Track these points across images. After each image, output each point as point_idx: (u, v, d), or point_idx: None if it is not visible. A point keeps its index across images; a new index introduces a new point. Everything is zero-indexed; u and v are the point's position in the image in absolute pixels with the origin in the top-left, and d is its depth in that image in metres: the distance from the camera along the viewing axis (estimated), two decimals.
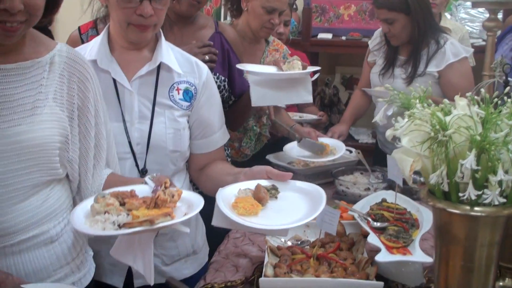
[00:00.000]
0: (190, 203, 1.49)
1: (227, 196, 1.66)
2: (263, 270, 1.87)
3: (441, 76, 3.01)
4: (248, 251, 2.19)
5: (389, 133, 1.48)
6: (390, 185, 2.66)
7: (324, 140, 2.99)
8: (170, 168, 1.89)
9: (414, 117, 1.30)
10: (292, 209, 1.65)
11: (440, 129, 1.26)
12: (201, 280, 2.03)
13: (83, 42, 2.80)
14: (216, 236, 2.23)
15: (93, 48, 1.88)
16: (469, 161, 1.20)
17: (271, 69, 2.33)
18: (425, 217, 1.97)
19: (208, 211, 2.12)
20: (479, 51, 3.55)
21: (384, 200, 2.13)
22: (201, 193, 2.00)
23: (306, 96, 2.31)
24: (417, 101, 1.34)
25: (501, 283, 1.57)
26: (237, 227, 1.73)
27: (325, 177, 2.86)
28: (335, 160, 2.87)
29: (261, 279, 1.80)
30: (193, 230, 2.07)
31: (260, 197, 1.65)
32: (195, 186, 2.18)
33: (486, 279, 1.37)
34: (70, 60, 1.56)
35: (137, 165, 1.82)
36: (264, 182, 1.75)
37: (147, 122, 1.81)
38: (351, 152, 3.10)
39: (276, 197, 1.71)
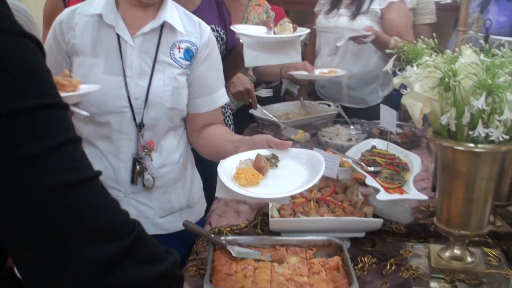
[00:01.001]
0: None
1: (229, 168, 1.69)
2: (269, 213, 2.01)
3: (383, 14, 3.24)
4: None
5: (397, 81, 1.63)
6: (369, 135, 2.84)
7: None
8: (167, 124, 1.92)
9: (427, 64, 1.45)
10: (292, 177, 1.69)
11: (452, 75, 1.41)
12: (206, 225, 2.15)
13: (64, 2, 2.82)
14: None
15: (100, 2, 1.91)
16: (480, 102, 1.36)
17: (262, 30, 2.42)
18: (413, 161, 2.16)
19: (207, 168, 2.23)
20: (444, 9, 3.75)
21: (374, 147, 2.30)
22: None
23: (295, 56, 2.43)
24: (427, 51, 1.48)
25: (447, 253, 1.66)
26: (240, 197, 1.77)
27: (307, 129, 3.00)
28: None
29: (271, 220, 1.94)
30: (188, 185, 2.12)
31: (261, 167, 1.69)
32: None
33: (484, 208, 1.55)
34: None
35: (134, 119, 1.84)
36: (264, 152, 1.78)
37: (147, 78, 1.84)
38: (329, 105, 3.27)
39: (276, 166, 1.76)
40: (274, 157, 1.77)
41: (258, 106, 2.99)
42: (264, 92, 3.11)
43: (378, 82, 3.44)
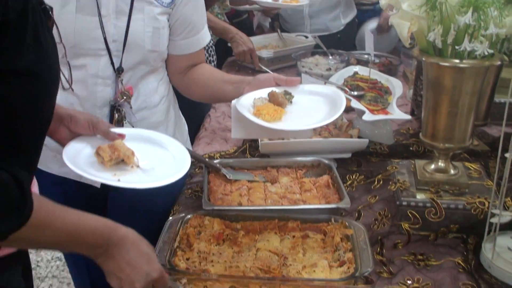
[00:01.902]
0: None
1: (245, 107, 1.64)
2: (258, 139, 2.07)
3: None
4: (231, 127, 2.35)
5: (384, 2, 1.67)
6: (347, 64, 2.89)
7: None
8: (146, 67, 1.80)
9: None
10: (312, 110, 1.64)
11: None
12: (199, 150, 2.20)
13: None
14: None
15: None
16: (467, 18, 1.42)
17: None
18: (395, 85, 2.23)
19: (191, 112, 2.24)
20: None
21: (356, 73, 2.36)
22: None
23: None
24: None
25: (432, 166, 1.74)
26: (260, 135, 1.77)
27: (287, 60, 3.05)
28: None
29: (262, 143, 2.01)
30: (171, 128, 2.01)
31: (280, 102, 1.65)
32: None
33: (467, 122, 1.64)
34: None
35: (112, 63, 1.70)
36: (274, 90, 1.71)
37: (125, 18, 1.67)
38: (307, 37, 3.30)
39: (291, 102, 1.69)
40: (288, 93, 1.73)
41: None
42: (265, 53, 3.09)
43: (340, 9, 3.53)
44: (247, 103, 1.67)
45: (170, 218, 1.58)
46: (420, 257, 1.53)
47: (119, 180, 1.35)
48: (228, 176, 1.84)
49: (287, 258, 1.45)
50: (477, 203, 1.60)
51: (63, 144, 1.45)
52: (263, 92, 1.71)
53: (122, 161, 1.41)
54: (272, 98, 1.67)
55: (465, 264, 1.50)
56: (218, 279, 1.32)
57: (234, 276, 1.35)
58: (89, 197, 1.83)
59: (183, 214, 1.59)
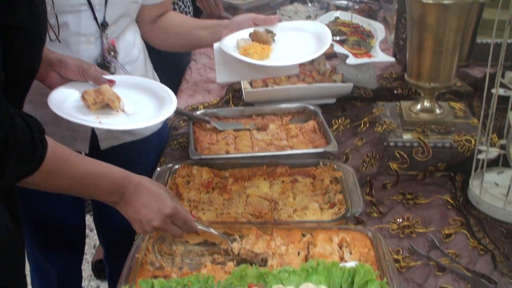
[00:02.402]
0: None
1: (230, 48, 1.59)
2: (242, 86, 2.05)
3: None
4: (213, 78, 2.30)
5: None
6: (327, 11, 2.85)
7: None
8: (126, 20, 1.72)
9: None
10: (298, 46, 1.61)
11: None
12: (182, 103, 2.17)
13: None
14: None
15: None
16: None
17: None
18: (377, 28, 2.20)
19: (168, 67, 2.18)
20: None
21: (337, 18, 2.32)
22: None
23: None
24: None
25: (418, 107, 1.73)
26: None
27: (265, 9, 2.99)
28: None
29: (246, 91, 1.98)
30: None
31: (265, 40, 1.60)
32: None
33: (451, 60, 1.63)
34: None
35: (95, 18, 1.60)
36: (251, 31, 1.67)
37: None
38: None
39: (274, 40, 1.64)
40: (269, 31, 1.68)
41: None
42: (241, 1, 2.99)
43: None
44: (231, 45, 1.62)
45: (158, 169, 1.57)
46: (409, 196, 1.54)
47: (100, 122, 1.34)
48: (218, 127, 1.82)
49: (277, 203, 1.45)
50: (463, 141, 1.61)
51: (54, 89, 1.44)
52: (244, 34, 1.66)
53: (107, 105, 1.38)
54: (255, 37, 1.63)
55: (453, 201, 1.51)
56: (210, 225, 1.31)
57: (226, 222, 1.35)
58: None
59: (171, 165, 1.58)
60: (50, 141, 1.03)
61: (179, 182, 1.51)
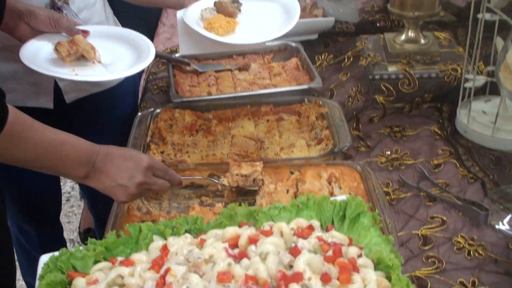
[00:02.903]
0: None
1: (193, 20, 1.45)
2: None
3: None
4: None
5: None
6: None
7: None
8: None
9: None
10: (265, 19, 1.49)
11: None
12: (159, 46, 2.10)
13: None
14: None
15: None
16: None
17: None
18: None
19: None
20: None
21: None
22: None
23: None
24: None
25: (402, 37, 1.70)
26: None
27: None
28: None
29: None
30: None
31: (230, 12, 1.47)
32: None
33: None
34: None
35: None
36: None
37: None
38: None
39: (240, 10, 1.52)
40: (235, 1, 1.54)
41: None
42: None
43: None
44: (194, 15, 1.48)
45: (139, 113, 1.52)
46: (396, 129, 1.52)
47: (76, 74, 1.27)
48: (199, 69, 1.77)
49: (263, 142, 1.42)
50: (449, 70, 1.58)
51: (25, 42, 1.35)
52: (209, 2, 1.51)
53: (82, 56, 1.32)
54: (220, 8, 1.48)
55: (441, 131, 1.49)
56: (196, 167, 1.28)
57: (212, 163, 1.32)
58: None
59: (152, 109, 1.53)
60: (11, 108, 0.96)
61: (162, 126, 1.47)
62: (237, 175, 1.21)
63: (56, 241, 1.96)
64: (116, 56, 1.37)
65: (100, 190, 1.10)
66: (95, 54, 1.33)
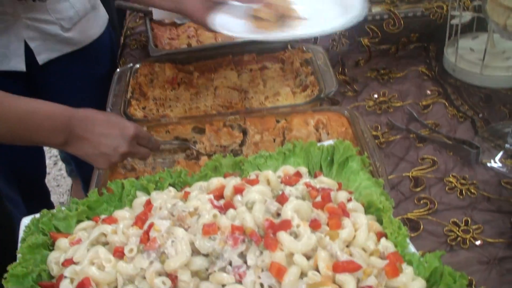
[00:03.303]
0: None
1: None
2: None
3: None
4: None
5: None
6: None
7: None
8: None
9: None
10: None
11: None
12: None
13: None
14: None
15: None
16: None
17: None
18: None
19: None
20: None
21: None
22: None
23: None
24: None
25: None
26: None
27: None
28: None
29: None
30: None
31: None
32: None
33: None
34: None
35: None
36: None
37: None
38: None
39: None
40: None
41: None
42: None
43: None
44: None
45: (118, 70, 1.47)
46: (383, 71, 1.48)
47: (285, 32, 1.19)
48: (178, 21, 1.71)
49: (247, 92, 1.38)
50: (435, 8, 1.53)
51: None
52: None
53: (282, 16, 1.22)
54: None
55: (428, 71, 1.46)
56: (180, 121, 1.24)
57: (195, 116, 1.28)
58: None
59: (131, 64, 1.48)
60: None
61: (142, 81, 1.43)
62: (217, 146, 1.18)
63: (44, 206, 1.93)
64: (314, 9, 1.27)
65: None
66: (294, 11, 1.24)
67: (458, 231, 0.99)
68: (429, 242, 0.97)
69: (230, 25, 1.21)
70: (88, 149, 1.03)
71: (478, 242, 0.97)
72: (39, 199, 1.91)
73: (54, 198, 2.60)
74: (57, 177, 2.92)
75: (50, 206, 2.01)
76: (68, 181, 2.84)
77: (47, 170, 2.18)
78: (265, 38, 1.28)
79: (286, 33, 1.21)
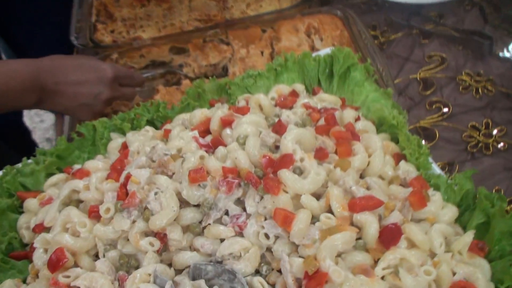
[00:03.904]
0: None
1: None
2: None
3: None
4: None
5: None
6: None
7: None
8: None
9: None
10: None
11: None
12: None
13: None
14: None
15: None
16: None
17: None
18: None
19: None
20: None
21: None
22: None
23: None
24: None
25: None
26: None
27: None
28: None
29: None
30: None
31: None
32: None
33: None
34: None
35: None
36: None
37: None
38: None
39: None
40: None
41: None
42: None
43: None
44: None
45: None
46: None
47: None
48: None
49: (226, 0, 1.22)
50: None
51: None
52: None
53: None
54: None
55: None
56: (154, 43, 1.10)
57: (171, 34, 1.13)
58: None
59: None
60: None
61: (107, 1, 1.26)
62: (206, 65, 1.04)
63: (26, 146, 1.82)
64: None
65: (60, 112, 0.94)
66: None
67: (479, 135, 0.88)
68: (447, 152, 0.86)
69: None
70: (65, 103, 0.90)
71: (501, 145, 0.86)
72: (22, 140, 1.79)
73: (38, 134, 2.49)
74: (39, 112, 2.78)
75: (32, 145, 1.89)
76: (52, 115, 2.71)
77: None
78: None
79: None
